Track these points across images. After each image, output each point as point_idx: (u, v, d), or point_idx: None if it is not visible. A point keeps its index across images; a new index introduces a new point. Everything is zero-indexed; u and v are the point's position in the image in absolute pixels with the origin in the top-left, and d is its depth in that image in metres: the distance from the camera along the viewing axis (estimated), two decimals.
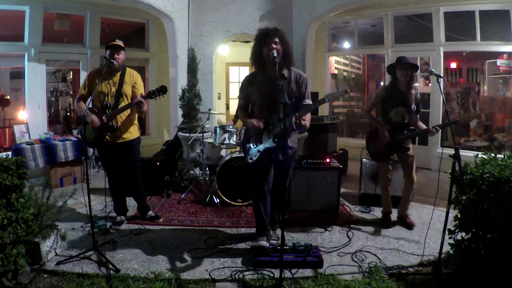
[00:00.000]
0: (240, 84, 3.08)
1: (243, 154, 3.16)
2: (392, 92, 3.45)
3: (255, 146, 2.92)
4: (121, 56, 3.34)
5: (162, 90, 3.23)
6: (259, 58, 2.82)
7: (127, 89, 3.38)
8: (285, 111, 2.33)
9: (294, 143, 3.02)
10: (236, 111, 3.39)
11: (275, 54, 2.65)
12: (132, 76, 3.45)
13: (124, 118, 3.39)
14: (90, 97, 3.27)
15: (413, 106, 3.41)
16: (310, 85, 3.01)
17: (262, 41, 2.76)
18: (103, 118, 3.24)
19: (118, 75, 3.37)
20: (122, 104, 3.31)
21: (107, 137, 3.33)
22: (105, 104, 3.27)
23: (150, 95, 3.23)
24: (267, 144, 2.85)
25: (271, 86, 2.80)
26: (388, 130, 3.47)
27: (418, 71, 4.16)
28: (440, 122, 5.63)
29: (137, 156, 3.56)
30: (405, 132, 3.47)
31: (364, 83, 8.07)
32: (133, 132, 3.50)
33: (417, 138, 6.04)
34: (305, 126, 2.76)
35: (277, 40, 2.73)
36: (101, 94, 3.32)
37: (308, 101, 2.88)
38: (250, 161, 2.94)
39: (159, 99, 3.32)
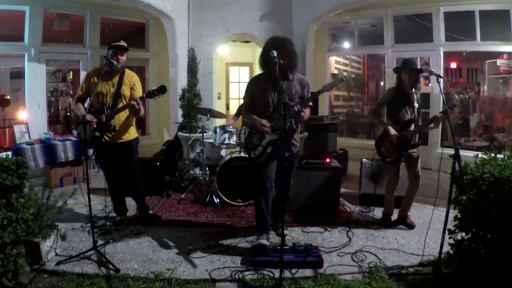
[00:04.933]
0: (247, 84, 3.21)
1: (246, 151, 3.26)
2: (398, 93, 3.50)
3: (258, 141, 3.03)
4: (124, 58, 3.32)
5: (162, 90, 3.24)
6: (265, 60, 2.96)
7: (125, 90, 3.36)
8: (285, 111, 2.39)
9: (296, 141, 3.13)
10: (240, 109, 3.44)
11: (275, 54, 2.70)
12: (131, 78, 3.43)
13: (123, 119, 3.38)
14: (88, 98, 3.26)
15: (415, 104, 3.47)
16: (310, 85, 3.15)
17: (270, 47, 2.86)
18: (102, 117, 3.24)
19: (117, 76, 3.35)
20: (121, 105, 3.30)
21: (105, 137, 3.32)
22: (104, 104, 3.27)
23: (149, 94, 3.24)
24: (269, 137, 2.95)
25: (275, 88, 2.93)
26: (396, 130, 3.48)
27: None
28: (440, 122, 5.61)
29: (136, 156, 3.56)
30: (411, 128, 3.48)
31: (364, 83, 8.08)
32: (132, 133, 3.50)
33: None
34: (303, 117, 2.92)
35: (280, 51, 2.81)
36: (100, 95, 3.30)
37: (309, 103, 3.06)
38: (253, 156, 3.04)
39: (159, 98, 3.32)
